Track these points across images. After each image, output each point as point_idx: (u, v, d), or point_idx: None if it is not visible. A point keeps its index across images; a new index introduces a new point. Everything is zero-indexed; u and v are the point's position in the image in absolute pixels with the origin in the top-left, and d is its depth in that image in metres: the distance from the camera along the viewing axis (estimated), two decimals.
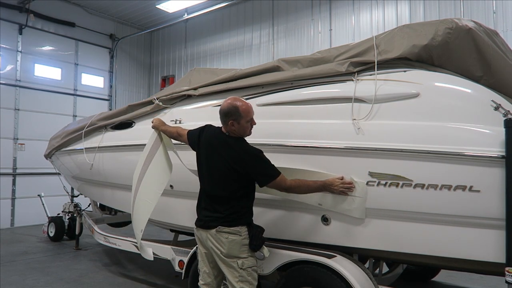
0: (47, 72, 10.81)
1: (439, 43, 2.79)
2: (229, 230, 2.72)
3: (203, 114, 3.87)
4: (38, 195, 8.42)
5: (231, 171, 2.74)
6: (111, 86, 12.45)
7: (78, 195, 7.65)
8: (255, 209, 2.93)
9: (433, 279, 4.90)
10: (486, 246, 2.52)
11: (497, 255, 2.46)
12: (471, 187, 2.45)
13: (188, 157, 3.35)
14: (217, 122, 2.94)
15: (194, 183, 3.10)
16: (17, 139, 10.01)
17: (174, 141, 3.53)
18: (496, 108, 2.48)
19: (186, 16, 11.14)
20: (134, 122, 4.65)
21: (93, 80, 12.00)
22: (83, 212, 7.03)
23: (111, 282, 5.14)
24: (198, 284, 2.96)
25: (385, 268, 3.96)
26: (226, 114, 2.78)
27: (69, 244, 7.42)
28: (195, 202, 2.98)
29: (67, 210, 7.75)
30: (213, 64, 11.43)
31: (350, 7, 8.92)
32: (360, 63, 3.07)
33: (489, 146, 2.42)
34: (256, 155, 2.74)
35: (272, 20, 10.26)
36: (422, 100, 2.72)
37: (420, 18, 7.92)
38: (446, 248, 2.66)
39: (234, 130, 2.81)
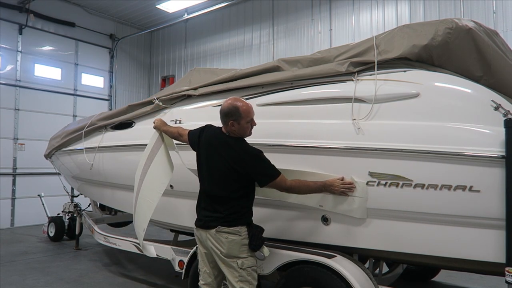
0: (47, 72, 10.81)
1: (439, 43, 2.78)
2: (229, 230, 2.72)
3: (203, 114, 3.87)
4: (38, 195, 8.42)
5: (231, 171, 2.74)
6: (111, 86, 12.45)
7: (78, 195, 7.65)
8: (255, 209, 2.93)
9: (433, 279, 4.90)
10: (486, 246, 2.52)
11: (497, 255, 2.46)
12: (471, 187, 2.45)
13: (189, 157, 3.35)
14: (217, 122, 2.94)
15: (194, 183, 3.10)
16: (17, 139, 10.01)
17: (175, 141, 3.54)
18: (496, 108, 2.48)
19: (186, 16, 11.14)
20: (134, 122, 4.65)
21: (93, 80, 12.00)
22: (83, 212, 7.03)
23: (111, 282, 5.14)
24: (199, 284, 2.96)
25: (385, 268, 3.96)
26: (227, 114, 2.78)
27: (69, 244, 7.42)
28: (195, 202, 2.98)
29: (67, 210, 7.75)
30: (213, 64, 11.43)
31: (350, 7, 8.92)
32: (360, 63, 3.07)
33: (489, 146, 2.42)
34: (256, 155, 2.74)
35: (272, 20, 10.26)
36: (422, 100, 2.72)
37: (420, 18, 7.92)
38: (446, 248, 2.66)
39: (234, 131, 2.81)
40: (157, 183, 3.43)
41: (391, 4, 8.39)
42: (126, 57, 12.91)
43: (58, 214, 7.97)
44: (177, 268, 4.09)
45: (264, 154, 2.77)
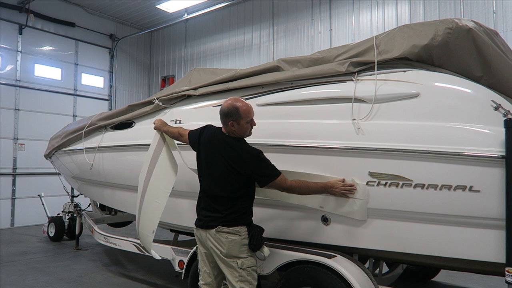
0: (47, 72, 10.81)
1: (439, 43, 2.78)
2: (229, 230, 2.72)
3: (203, 114, 3.87)
4: (38, 195, 8.42)
5: (231, 171, 2.74)
6: (111, 86, 12.45)
7: (78, 195, 7.64)
8: (255, 209, 2.93)
9: (433, 279, 4.90)
10: (486, 246, 2.52)
11: (497, 255, 2.46)
12: (471, 187, 2.45)
13: (190, 157, 3.35)
14: (217, 122, 2.94)
15: (194, 183, 3.09)
16: (17, 139, 10.01)
17: (176, 141, 3.55)
18: (496, 108, 2.48)
19: (186, 16, 11.14)
20: (134, 122, 4.65)
21: (93, 80, 12.00)
22: (83, 212, 7.03)
23: (111, 282, 5.14)
24: (199, 284, 2.96)
25: (385, 268, 3.96)
26: (226, 114, 2.79)
27: (69, 244, 7.42)
28: (195, 202, 2.98)
29: (67, 210, 7.75)
30: (213, 64, 11.43)
31: (350, 7, 8.92)
32: (360, 63, 3.07)
33: (489, 146, 2.42)
34: (256, 155, 2.74)
35: (272, 20, 10.26)
36: (422, 100, 2.72)
37: (420, 18, 7.92)
38: (446, 248, 2.66)
39: (234, 131, 2.81)
40: (163, 183, 3.43)
41: (391, 4, 8.39)
42: (126, 57, 12.91)
43: (58, 214, 7.97)
44: (177, 268, 4.09)
45: (264, 154, 2.77)
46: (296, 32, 9.77)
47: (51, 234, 7.77)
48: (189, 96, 4.14)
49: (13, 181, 9.90)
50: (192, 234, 3.59)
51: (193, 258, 3.63)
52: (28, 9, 10.06)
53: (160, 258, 3.94)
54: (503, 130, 2.38)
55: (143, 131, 4.33)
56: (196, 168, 3.05)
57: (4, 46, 9.90)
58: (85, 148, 5.13)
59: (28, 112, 10.24)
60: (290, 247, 3.17)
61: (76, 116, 11.13)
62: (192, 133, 3.14)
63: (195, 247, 3.51)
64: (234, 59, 11.03)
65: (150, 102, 4.43)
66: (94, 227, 5.96)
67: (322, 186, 2.81)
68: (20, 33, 10.20)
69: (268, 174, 2.72)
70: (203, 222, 2.84)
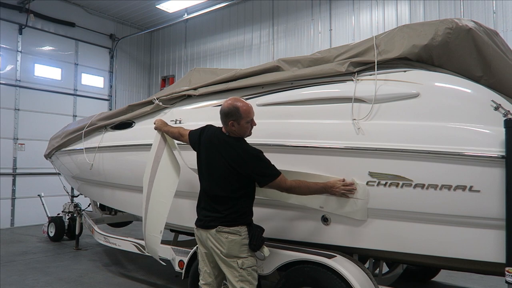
0: (47, 72, 10.82)
1: (439, 43, 2.78)
2: (229, 230, 2.72)
3: (203, 114, 3.87)
4: (38, 195, 8.42)
5: (231, 171, 2.74)
6: (111, 86, 12.45)
7: (78, 195, 7.65)
8: (255, 209, 2.93)
9: (433, 279, 4.90)
10: (486, 246, 2.52)
11: (497, 255, 2.46)
12: (471, 187, 2.45)
13: (189, 157, 3.35)
14: (217, 122, 2.94)
15: (194, 183, 3.09)
16: (17, 139, 10.01)
17: (176, 141, 3.55)
18: (496, 108, 2.48)
19: (186, 16, 11.14)
20: (134, 122, 4.65)
21: (93, 80, 12.00)
22: (83, 212, 7.03)
23: (111, 282, 5.14)
24: (199, 284, 2.96)
25: (385, 268, 3.96)
26: (227, 114, 2.79)
27: (69, 244, 7.42)
28: (195, 202, 2.98)
29: (67, 210, 7.76)
30: (213, 64, 11.43)
31: (350, 7, 8.92)
32: (360, 63, 3.07)
33: (489, 146, 2.42)
34: (256, 155, 2.74)
35: (272, 20, 10.26)
36: (422, 100, 2.71)
37: (420, 18, 7.92)
38: (446, 248, 2.66)
39: (234, 131, 2.81)
40: (168, 182, 3.44)
41: (391, 4, 8.39)
42: (126, 57, 12.92)
43: (58, 214, 7.98)
44: (177, 268, 4.09)
45: (264, 154, 2.77)
46: (296, 32, 9.77)
47: (51, 234, 7.77)
48: (189, 96, 4.14)
49: (13, 181, 9.90)
50: (192, 234, 3.59)
51: (193, 258, 3.63)
52: (28, 9, 10.06)
53: (165, 264, 3.98)
54: (503, 130, 2.38)
55: (143, 131, 4.33)
56: (196, 168, 3.05)
57: (4, 46, 9.90)
58: (85, 148, 5.13)
59: (28, 112, 10.24)
60: (290, 247, 3.17)
61: (76, 116, 11.13)
62: (192, 133, 3.14)
63: (195, 247, 3.52)
64: (234, 59, 11.03)
65: (150, 102, 4.43)
66: (94, 227, 5.96)
67: (322, 186, 2.81)
68: (20, 33, 10.20)
69: (268, 174, 2.72)
70: (203, 222, 2.84)
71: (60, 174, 6.87)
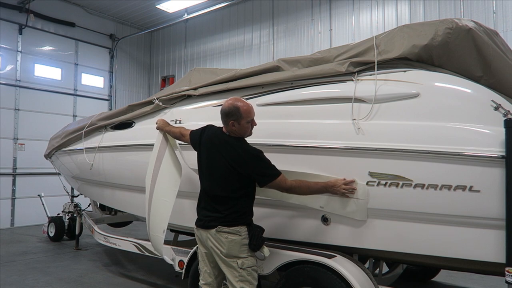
0: (47, 72, 10.81)
1: (439, 43, 2.78)
2: (229, 230, 2.72)
3: (203, 114, 3.88)
4: (38, 195, 8.42)
5: (231, 171, 2.74)
6: (111, 86, 12.45)
7: (78, 195, 7.65)
8: (255, 209, 2.93)
9: (433, 279, 4.90)
10: (486, 246, 2.52)
11: (497, 255, 2.46)
12: (471, 187, 2.45)
13: (190, 157, 3.35)
14: (217, 122, 2.94)
15: (194, 183, 3.09)
16: (17, 139, 10.01)
17: (177, 141, 3.55)
18: (496, 108, 2.48)
19: (186, 16, 11.14)
20: (134, 122, 4.65)
21: (93, 80, 12.00)
22: (83, 212, 7.03)
23: (111, 282, 5.14)
24: (199, 283, 2.96)
25: (385, 268, 3.96)
26: (227, 114, 2.79)
27: (69, 244, 7.42)
28: (195, 202, 2.98)
29: (67, 210, 7.76)
30: (213, 64, 11.43)
31: (350, 7, 8.92)
32: (360, 63, 3.07)
33: (489, 146, 2.42)
34: (256, 155, 2.74)
35: (272, 20, 10.26)
36: (422, 100, 2.72)
37: (420, 18, 7.92)
38: (446, 248, 2.66)
39: (235, 131, 2.81)
40: (170, 181, 3.45)
41: (391, 4, 8.39)
42: (126, 57, 12.92)
43: (58, 214, 7.97)
44: (177, 268, 4.09)
45: (264, 154, 2.77)
46: (296, 32, 9.77)
47: (51, 234, 7.77)
48: (189, 96, 4.14)
49: (13, 181, 9.90)
50: (192, 234, 3.59)
51: (193, 258, 3.63)
52: (28, 9, 10.06)
53: (171, 262, 3.99)
54: (503, 130, 2.38)
55: (143, 131, 4.33)
56: (196, 167, 3.05)
57: (4, 46, 9.90)
58: (85, 148, 5.13)
59: (28, 112, 10.24)
60: (290, 247, 3.17)
61: (76, 116, 11.13)
62: (193, 133, 3.15)
63: (195, 247, 3.51)
64: (234, 59, 11.03)
65: (150, 102, 4.43)
66: (94, 227, 5.96)
67: (322, 186, 2.81)
68: (20, 33, 10.20)
69: (268, 174, 2.72)
70: (203, 222, 2.84)
71: (60, 174, 6.87)
